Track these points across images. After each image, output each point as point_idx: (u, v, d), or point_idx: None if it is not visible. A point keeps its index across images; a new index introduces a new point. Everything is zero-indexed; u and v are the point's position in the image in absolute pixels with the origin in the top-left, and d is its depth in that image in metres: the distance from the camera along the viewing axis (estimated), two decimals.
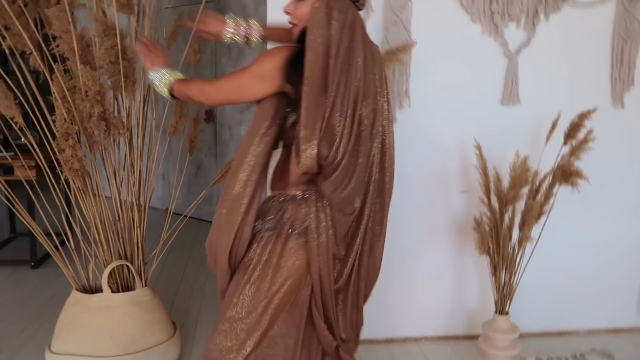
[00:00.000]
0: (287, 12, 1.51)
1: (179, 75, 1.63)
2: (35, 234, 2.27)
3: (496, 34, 2.55)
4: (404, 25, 2.45)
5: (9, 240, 4.25)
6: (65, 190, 2.15)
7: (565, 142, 2.18)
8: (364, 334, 1.75)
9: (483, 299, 2.72)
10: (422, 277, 2.71)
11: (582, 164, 2.49)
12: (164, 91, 1.64)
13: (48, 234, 2.23)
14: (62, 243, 2.36)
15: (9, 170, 3.56)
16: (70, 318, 2.18)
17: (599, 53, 2.66)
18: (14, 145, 2.56)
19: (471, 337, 2.71)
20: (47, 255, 3.92)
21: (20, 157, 2.51)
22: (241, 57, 4.58)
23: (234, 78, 1.53)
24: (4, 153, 2.73)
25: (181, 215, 2.42)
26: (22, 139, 3.31)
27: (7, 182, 2.89)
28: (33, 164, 3.28)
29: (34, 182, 2.56)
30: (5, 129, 2.48)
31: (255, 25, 1.73)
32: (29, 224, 2.27)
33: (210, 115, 4.69)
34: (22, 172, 3.40)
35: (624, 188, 2.78)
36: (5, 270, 3.64)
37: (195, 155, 2.56)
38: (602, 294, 2.86)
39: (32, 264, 3.69)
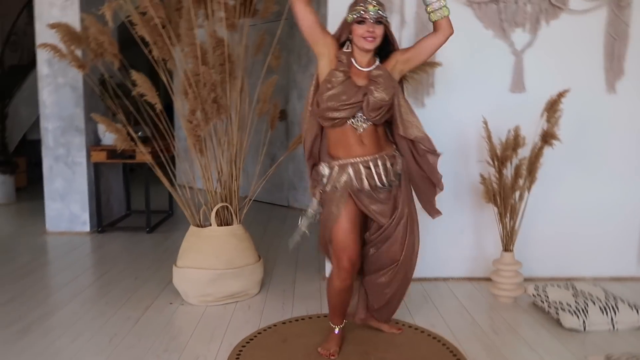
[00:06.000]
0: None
1: None
2: (170, 190, 3.20)
3: (505, 37, 3.27)
4: None
5: (126, 216, 5.35)
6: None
7: (548, 113, 2.86)
8: None
9: (498, 249, 3.38)
10: (449, 230, 3.41)
11: (583, 138, 3.15)
12: None
13: (159, 211, 2.93)
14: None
15: (126, 157, 4.64)
16: (189, 244, 3.10)
17: (592, 50, 3.30)
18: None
19: (489, 279, 3.36)
20: (158, 224, 4.96)
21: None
22: (309, 64, 5.43)
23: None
24: (139, 136, 3.72)
25: (259, 202, 3.23)
26: (140, 133, 4.37)
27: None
28: (149, 150, 4.32)
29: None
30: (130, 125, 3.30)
31: None
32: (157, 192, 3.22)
33: (283, 114, 5.60)
34: (143, 157, 4.48)
35: (619, 157, 3.37)
36: (126, 234, 4.70)
37: (269, 149, 3.39)
38: (605, 246, 3.44)
39: (147, 229, 4.72)
